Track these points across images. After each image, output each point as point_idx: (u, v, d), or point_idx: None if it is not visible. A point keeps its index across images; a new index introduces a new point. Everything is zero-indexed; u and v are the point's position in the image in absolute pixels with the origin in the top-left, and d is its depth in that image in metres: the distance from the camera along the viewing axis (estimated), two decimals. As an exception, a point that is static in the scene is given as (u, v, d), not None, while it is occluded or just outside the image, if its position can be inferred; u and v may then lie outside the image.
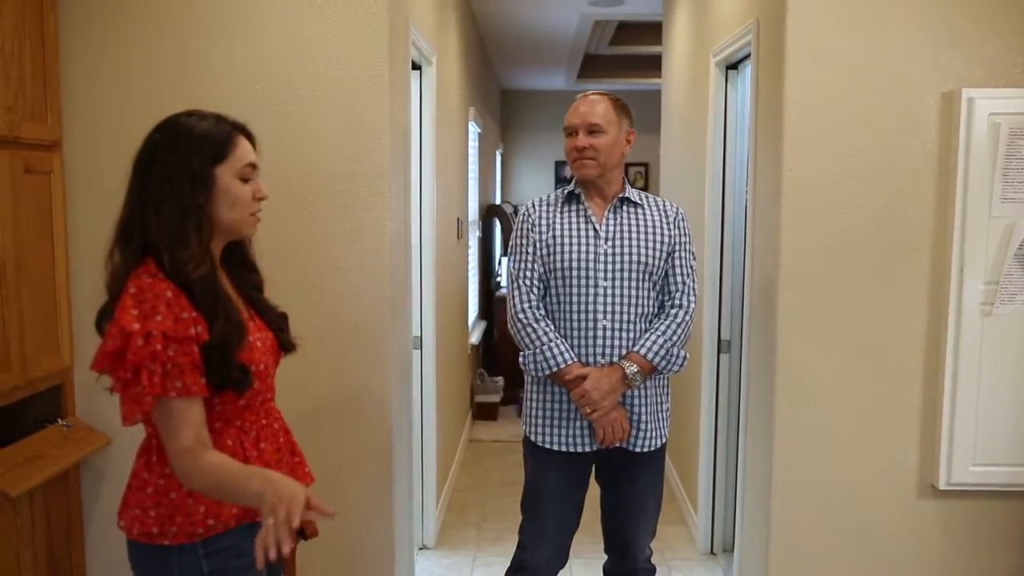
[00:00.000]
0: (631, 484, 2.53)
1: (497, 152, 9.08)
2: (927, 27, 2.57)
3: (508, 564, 2.63)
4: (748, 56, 3.13)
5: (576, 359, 2.43)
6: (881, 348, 2.67)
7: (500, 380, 6.44)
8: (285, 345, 1.79)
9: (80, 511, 2.73)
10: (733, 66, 3.56)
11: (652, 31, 6.37)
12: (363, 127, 2.62)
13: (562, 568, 2.60)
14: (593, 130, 2.44)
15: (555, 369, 2.42)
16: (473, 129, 5.90)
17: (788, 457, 2.71)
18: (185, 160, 1.58)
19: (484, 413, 6.24)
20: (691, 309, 2.49)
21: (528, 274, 2.49)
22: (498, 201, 9.04)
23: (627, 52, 7.67)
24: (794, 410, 2.69)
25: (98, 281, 2.62)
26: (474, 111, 5.84)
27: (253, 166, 1.66)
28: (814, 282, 2.65)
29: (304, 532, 1.83)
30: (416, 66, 3.48)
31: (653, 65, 6.41)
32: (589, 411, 2.40)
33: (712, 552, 3.91)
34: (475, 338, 6.21)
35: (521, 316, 2.48)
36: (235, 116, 1.69)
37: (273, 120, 2.60)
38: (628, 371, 2.39)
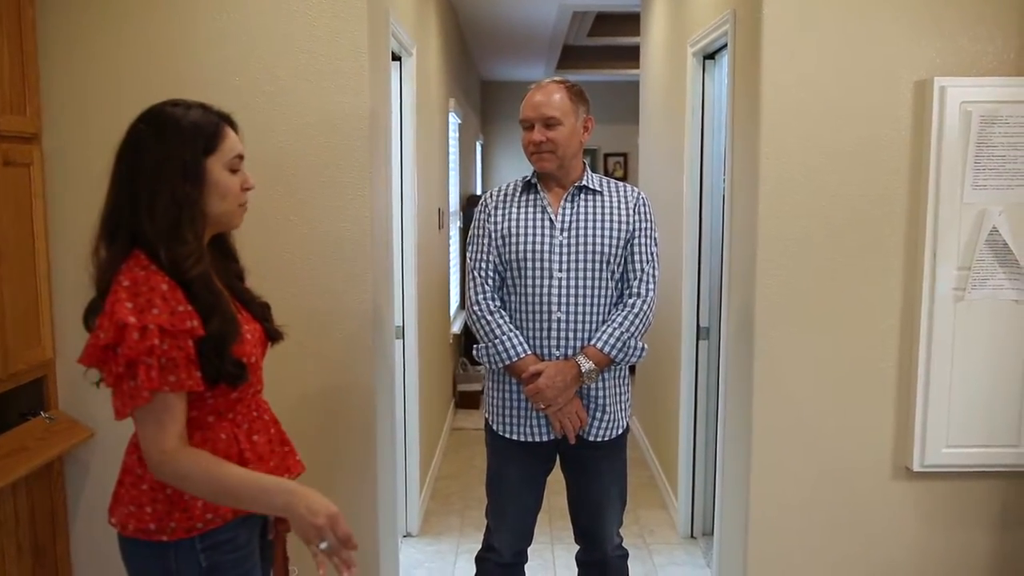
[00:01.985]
0: (594, 475, 2.53)
1: (477, 142, 9.09)
2: (900, 17, 2.61)
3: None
4: (725, 46, 3.17)
5: (530, 352, 2.42)
6: (856, 333, 2.71)
7: (482, 369, 6.46)
8: (272, 334, 1.78)
9: (64, 503, 2.74)
10: (710, 56, 3.59)
11: (630, 22, 6.40)
12: (344, 117, 2.63)
13: (527, 546, 2.64)
14: (550, 123, 2.40)
15: (508, 362, 2.42)
16: (453, 120, 5.90)
17: (766, 441, 2.75)
18: (177, 152, 1.55)
19: (466, 401, 6.27)
20: (650, 298, 2.45)
21: (483, 265, 2.48)
22: (479, 191, 9.05)
23: (605, 43, 7.69)
24: (772, 395, 2.73)
25: (80, 274, 2.61)
26: (454, 102, 5.85)
27: (241, 157, 1.65)
28: (790, 269, 2.69)
29: (277, 527, 1.85)
30: (396, 57, 3.49)
31: (631, 56, 6.45)
32: (543, 407, 2.40)
33: (692, 536, 3.97)
34: (457, 327, 6.23)
35: (475, 308, 2.47)
36: (215, 105, 1.68)
37: (254, 110, 2.60)
38: (583, 368, 2.37)
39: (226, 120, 1.65)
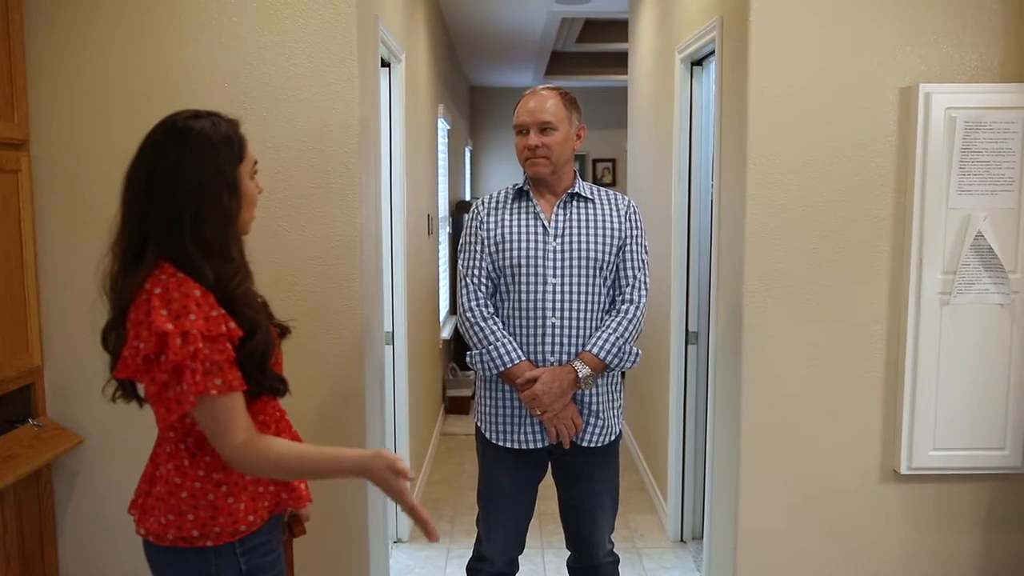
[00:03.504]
0: (587, 482, 2.53)
1: (466, 148, 9.10)
2: (886, 24, 2.64)
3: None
4: (712, 52, 3.19)
5: (524, 358, 2.42)
6: (844, 337, 2.73)
7: (472, 374, 6.47)
8: (281, 331, 1.76)
9: (53, 510, 2.72)
10: (698, 62, 3.61)
11: (618, 28, 6.42)
12: (333, 124, 2.63)
13: (519, 554, 2.63)
14: (545, 128, 2.41)
15: (502, 368, 2.41)
16: (442, 126, 5.91)
17: (755, 446, 2.76)
18: (216, 166, 1.53)
19: (456, 407, 6.27)
20: (642, 304, 2.47)
21: (476, 272, 2.48)
22: (468, 197, 9.06)
23: (594, 49, 7.72)
24: (760, 399, 2.74)
25: (68, 281, 2.63)
26: (443, 108, 5.86)
27: (256, 162, 1.66)
28: (778, 274, 2.70)
29: (293, 530, 1.87)
30: (385, 63, 3.49)
31: (620, 62, 6.48)
32: (539, 412, 2.40)
33: (682, 540, 3.97)
34: (446, 333, 6.23)
35: (468, 315, 2.47)
36: (223, 113, 1.66)
37: (244, 117, 2.53)
38: (580, 373, 2.38)
39: (239, 127, 1.64)
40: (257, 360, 1.55)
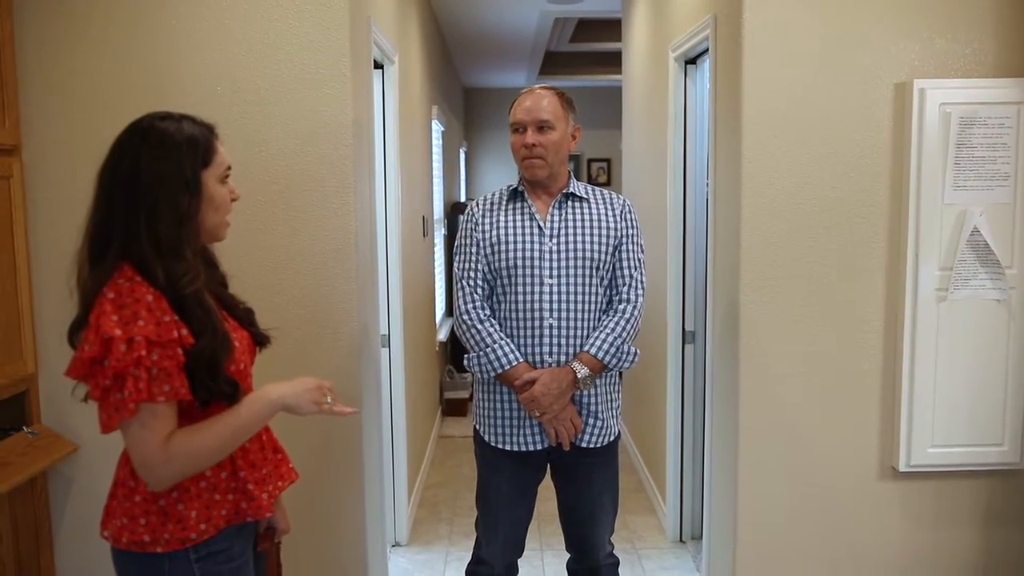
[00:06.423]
0: (586, 483, 2.52)
1: (461, 150, 9.09)
2: (880, 19, 2.63)
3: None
4: (706, 51, 3.18)
5: (522, 359, 2.41)
6: (841, 335, 2.72)
7: (469, 376, 6.46)
8: (259, 339, 1.77)
9: (48, 518, 2.71)
10: (692, 60, 3.61)
11: (612, 27, 6.42)
12: (326, 126, 2.62)
13: (519, 557, 2.62)
14: (543, 126, 2.41)
15: (500, 370, 2.40)
16: (436, 127, 5.90)
17: (753, 444, 2.76)
18: (176, 167, 1.54)
19: (453, 409, 6.26)
20: (639, 303, 2.46)
21: (472, 274, 2.47)
22: (463, 198, 9.05)
23: (587, 49, 7.72)
24: (757, 398, 2.74)
25: (62, 287, 2.60)
26: (437, 109, 5.85)
27: (229, 168, 1.66)
28: (775, 272, 2.70)
29: (264, 542, 1.84)
30: (378, 65, 3.48)
31: (613, 61, 6.47)
32: (539, 414, 2.39)
33: (681, 540, 3.97)
34: (443, 335, 6.22)
35: (465, 317, 2.45)
36: (200, 117, 1.66)
37: (236, 120, 2.59)
38: (579, 374, 2.36)
39: (212, 132, 1.64)
40: (206, 363, 1.54)
